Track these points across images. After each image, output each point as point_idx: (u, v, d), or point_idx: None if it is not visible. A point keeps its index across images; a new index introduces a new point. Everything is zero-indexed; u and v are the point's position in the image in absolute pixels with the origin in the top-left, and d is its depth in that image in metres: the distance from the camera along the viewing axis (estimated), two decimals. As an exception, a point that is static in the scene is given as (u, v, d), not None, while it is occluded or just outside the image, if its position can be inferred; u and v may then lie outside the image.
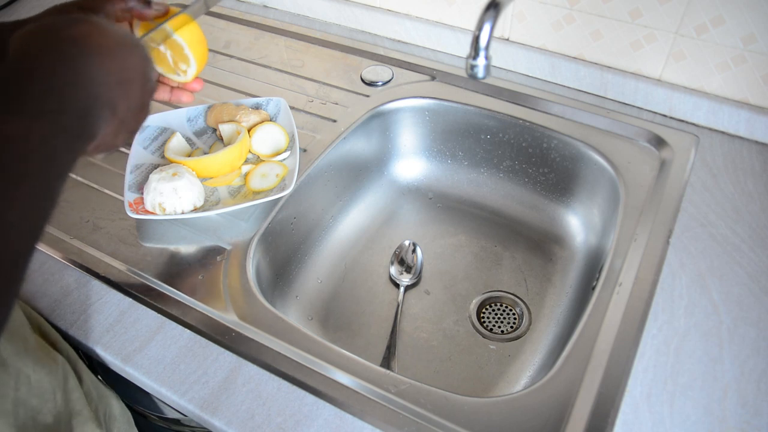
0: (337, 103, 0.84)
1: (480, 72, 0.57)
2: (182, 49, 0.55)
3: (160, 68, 0.56)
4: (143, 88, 0.41)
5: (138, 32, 0.54)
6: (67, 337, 0.60)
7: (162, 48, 0.54)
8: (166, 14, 0.53)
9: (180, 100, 0.58)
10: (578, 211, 0.81)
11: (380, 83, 0.87)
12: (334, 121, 0.82)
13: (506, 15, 0.84)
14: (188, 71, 0.57)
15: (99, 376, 0.68)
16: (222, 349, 0.57)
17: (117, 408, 0.63)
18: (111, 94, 0.37)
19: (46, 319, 0.60)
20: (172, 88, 0.58)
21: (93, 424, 0.56)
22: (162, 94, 0.57)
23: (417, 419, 0.51)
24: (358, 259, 0.82)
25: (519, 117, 0.80)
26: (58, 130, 0.33)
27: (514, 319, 0.75)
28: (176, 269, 0.64)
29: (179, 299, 0.61)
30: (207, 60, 0.58)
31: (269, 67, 0.92)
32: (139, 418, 0.70)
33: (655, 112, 0.79)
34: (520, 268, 0.80)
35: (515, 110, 0.81)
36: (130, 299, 0.62)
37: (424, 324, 0.75)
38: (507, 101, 0.83)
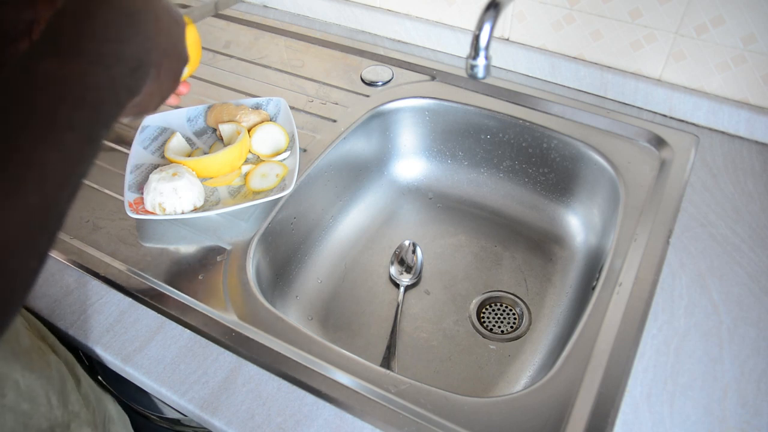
0: (337, 103, 0.84)
1: (480, 72, 0.57)
2: None
3: None
4: (181, 57, 0.42)
5: None
6: (66, 337, 0.60)
7: None
8: None
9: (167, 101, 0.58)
10: (578, 211, 0.81)
11: (380, 83, 0.87)
12: (334, 121, 0.82)
13: (506, 15, 0.84)
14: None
15: (99, 377, 0.68)
16: (222, 349, 0.57)
17: (114, 411, 0.63)
18: (159, 54, 0.38)
19: (46, 320, 0.60)
20: None
21: (89, 428, 0.56)
22: None
23: (417, 419, 0.51)
24: (358, 259, 0.82)
25: (519, 117, 0.80)
26: (110, 79, 0.33)
27: (514, 319, 0.75)
28: (176, 269, 0.64)
29: (179, 299, 0.61)
30: (198, 65, 0.58)
31: (269, 67, 0.92)
32: (139, 418, 0.70)
33: (655, 112, 0.79)
34: (520, 268, 0.80)
35: (515, 110, 0.81)
36: (130, 299, 0.62)
37: (424, 324, 0.75)
38: (507, 101, 0.83)
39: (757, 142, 0.75)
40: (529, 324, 0.74)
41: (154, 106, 0.42)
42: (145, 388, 0.57)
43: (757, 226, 0.65)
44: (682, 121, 0.78)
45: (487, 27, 0.54)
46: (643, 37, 0.76)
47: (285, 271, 0.75)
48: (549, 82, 0.85)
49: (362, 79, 0.88)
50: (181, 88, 0.58)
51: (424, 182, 0.90)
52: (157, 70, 0.38)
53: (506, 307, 0.77)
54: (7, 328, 0.30)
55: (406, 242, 0.83)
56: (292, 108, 0.81)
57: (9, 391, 0.47)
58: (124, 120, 0.43)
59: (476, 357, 0.72)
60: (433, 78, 0.87)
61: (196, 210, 0.67)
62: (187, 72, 0.56)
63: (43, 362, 0.53)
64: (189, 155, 0.75)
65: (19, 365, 0.49)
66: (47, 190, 0.29)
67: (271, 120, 0.78)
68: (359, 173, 0.86)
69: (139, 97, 0.38)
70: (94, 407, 0.59)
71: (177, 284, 0.63)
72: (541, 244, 0.82)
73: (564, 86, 0.84)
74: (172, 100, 0.57)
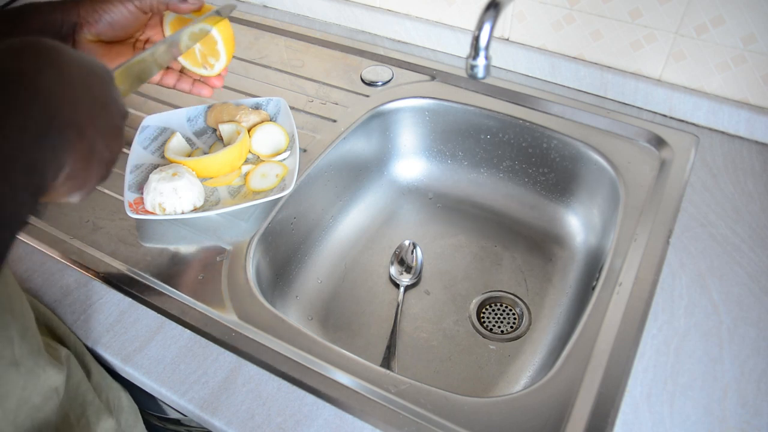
0: (337, 103, 0.84)
1: (480, 72, 0.57)
2: (215, 44, 0.56)
3: (185, 61, 0.57)
4: (110, 109, 0.37)
5: (169, 29, 0.56)
6: (67, 337, 0.60)
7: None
8: (200, 10, 0.54)
9: (200, 93, 0.59)
10: (578, 211, 0.81)
11: (380, 83, 0.87)
12: (334, 121, 0.82)
13: (506, 15, 0.84)
14: (216, 66, 0.58)
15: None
16: (222, 349, 0.57)
17: (125, 400, 0.63)
18: (73, 112, 0.33)
19: (53, 313, 0.60)
20: (194, 80, 0.59)
21: (106, 413, 0.56)
22: (183, 84, 0.59)
23: (417, 419, 0.51)
24: (358, 259, 0.82)
25: (519, 117, 0.80)
26: (11, 154, 0.28)
27: (514, 319, 0.75)
28: (176, 269, 0.64)
29: (179, 299, 0.61)
30: (232, 58, 0.59)
31: (269, 67, 0.92)
32: (139, 418, 0.70)
33: (655, 112, 0.79)
34: (520, 268, 0.80)
35: (515, 110, 0.81)
36: (130, 299, 0.62)
37: (424, 324, 0.75)
38: (507, 101, 0.83)
39: (757, 142, 0.75)
40: (529, 324, 0.74)
41: (95, 175, 0.36)
42: (145, 388, 0.57)
43: (757, 226, 0.65)
44: (682, 121, 0.78)
45: (487, 27, 0.54)
46: (643, 37, 0.76)
47: (285, 271, 0.75)
48: (549, 82, 0.85)
49: (362, 79, 0.88)
50: (216, 82, 0.59)
51: (424, 182, 0.90)
52: (78, 131, 0.34)
53: (506, 307, 0.77)
54: None
55: (406, 242, 0.83)
56: (292, 108, 0.81)
57: (29, 384, 0.47)
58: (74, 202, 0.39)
59: (476, 357, 0.72)
60: (433, 78, 0.87)
61: (196, 210, 0.67)
62: (224, 65, 0.58)
63: (58, 356, 0.53)
64: (189, 155, 0.75)
65: (44, 359, 0.49)
66: None
67: (271, 120, 0.78)
68: (359, 173, 0.86)
69: (69, 167, 0.33)
70: (107, 396, 0.59)
71: (177, 284, 0.63)
72: (541, 244, 0.82)
73: (564, 86, 0.84)
74: (206, 91, 0.59)
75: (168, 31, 0.56)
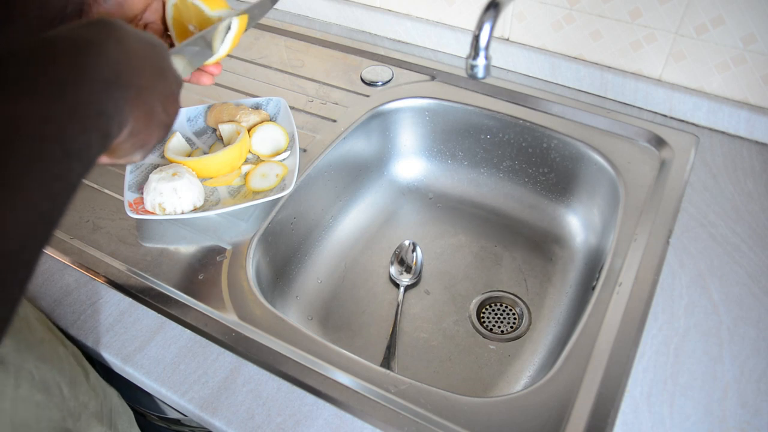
0: (337, 103, 0.84)
1: (480, 72, 0.57)
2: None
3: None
4: (166, 76, 0.41)
5: (172, 11, 0.55)
6: (67, 336, 0.60)
7: (191, 27, 0.55)
8: None
9: (200, 81, 0.58)
10: (578, 211, 0.81)
11: (380, 83, 0.87)
12: (334, 121, 0.82)
13: (506, 15, 0.84)
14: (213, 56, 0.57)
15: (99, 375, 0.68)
16: (222, 349, 0.57)
17: (119, 404, 0.63)
18: (134, 75, 0.36)
19: (48, 317, 0.60)
20: None
21: (95, 419, 0.56)
22: None
23: (417, 419, 0.51)
24: (358, 259, 0.82)
25: (519, 117, 0.80)
26: (87, 99, 0.31)
27: (514, 319, 0.75)
28: (176, 269, 0.64)
29: (179, 299, 0.61)
30: (228, 52, 0.58)
31: (269, 67, 0.92)
32: (139, 417, 0.70)
33: (655, 112, 0.79)
34: (520, 268, 0.80)
35: (515, 110, 0.81)
36: (130, 299, 0.62)
37: (424, 324, 0.75)
38: (507, 101, 0.83)
39: (757, 142, 0.75)
40: (529, 324, 0.74)
41: (155, 135, 0.40)
42: (145, 388, 0.57)
43: (757, 226, 0.65)
44: (682, 121, 0.78)
45: (487, 27, 0.54)
46: (643, 37, 0.76)
47: (285, 271, 0.75)
48: (549, 82, 0.85)
49: (362, 79, 0.88)
50: (214, 69, 0.58)
51: (424, 182, 0.90)
52: (137, 91, 0.36)
53: (506, 307, 0.77)
54: None
55: (406, 242, 0.83)
56: (292, 108, 0.81)
57: (23, 382, 0.47)
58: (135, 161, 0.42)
59: (476, 357, 0.72)
60: (433, 78, 0.87)
61: (196, 210, 0.67)
62: (221, 56, 0.57)
63: (54, 353, 0.53)
64: (189, 155, 0.75)
65: (33, 356, 0.49)
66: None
67: (271, 120, 0.78)
68: (359, 173, 0.86)
69: (129, 125, 0.36)
70: (102, 399, 0.59)
71: (177, 284, 0.63)
72: (541, 244, 0.82)
73: (564, 86, 0.84)
74: (205, 79, 0.59)
75: (170, 13, 0.56)
